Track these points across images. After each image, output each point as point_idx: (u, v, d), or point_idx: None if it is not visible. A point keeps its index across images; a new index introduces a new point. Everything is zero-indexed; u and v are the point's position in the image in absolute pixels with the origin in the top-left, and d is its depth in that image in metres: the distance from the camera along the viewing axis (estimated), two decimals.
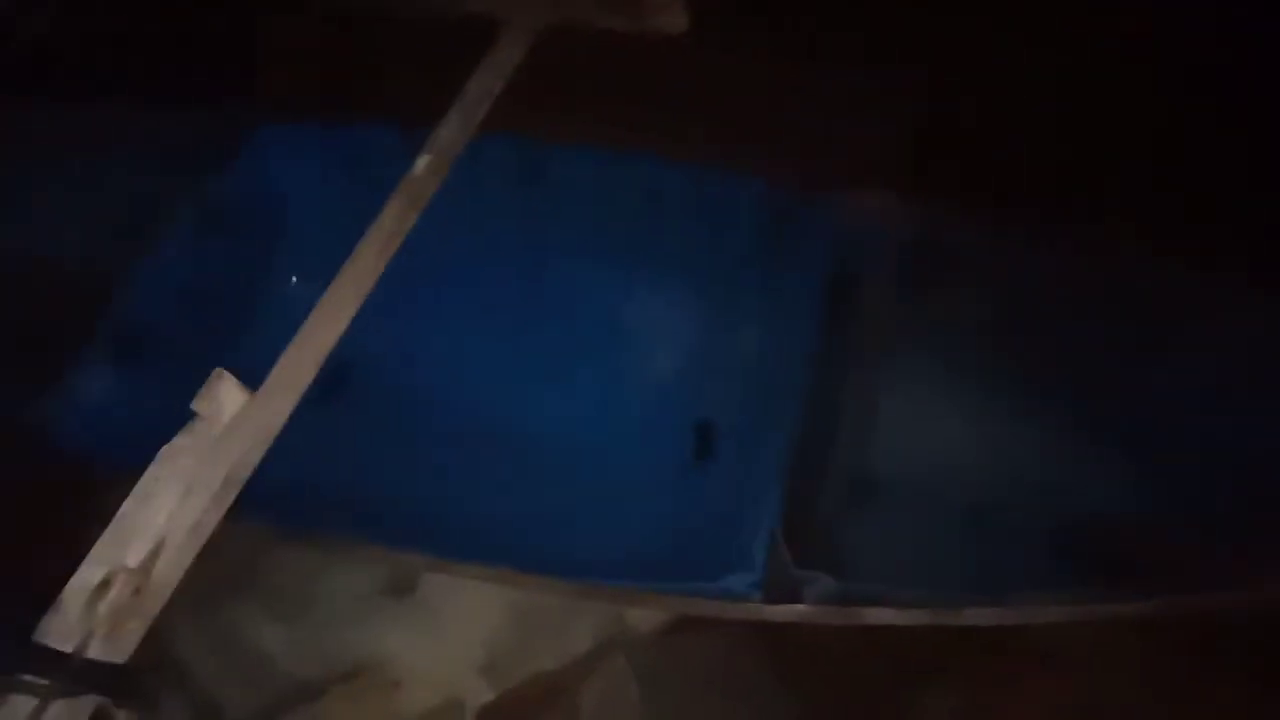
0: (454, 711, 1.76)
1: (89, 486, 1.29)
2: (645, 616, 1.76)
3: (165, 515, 1.10)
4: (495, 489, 1.68)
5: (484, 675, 1.78)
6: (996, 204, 1.62)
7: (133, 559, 1.08)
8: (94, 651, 1.05)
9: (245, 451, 1.13)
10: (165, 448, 1.14)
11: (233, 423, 1.14)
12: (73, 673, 1.03)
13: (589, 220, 1.82)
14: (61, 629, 1.05)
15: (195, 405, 1.15)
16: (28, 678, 1.02)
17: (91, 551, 1.09)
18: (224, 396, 1.15)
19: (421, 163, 1.28)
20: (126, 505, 1.11)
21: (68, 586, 1.07)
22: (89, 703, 1.05)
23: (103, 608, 1.06)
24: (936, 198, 1.65)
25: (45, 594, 1.08)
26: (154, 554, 1.09)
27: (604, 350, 1.86)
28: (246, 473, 1.13)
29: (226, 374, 1.15)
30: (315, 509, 1.52)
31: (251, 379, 1.20)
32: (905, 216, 1.68)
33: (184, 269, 1.79)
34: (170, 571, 1.09)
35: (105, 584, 1.07)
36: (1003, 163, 1.63)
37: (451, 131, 1.32)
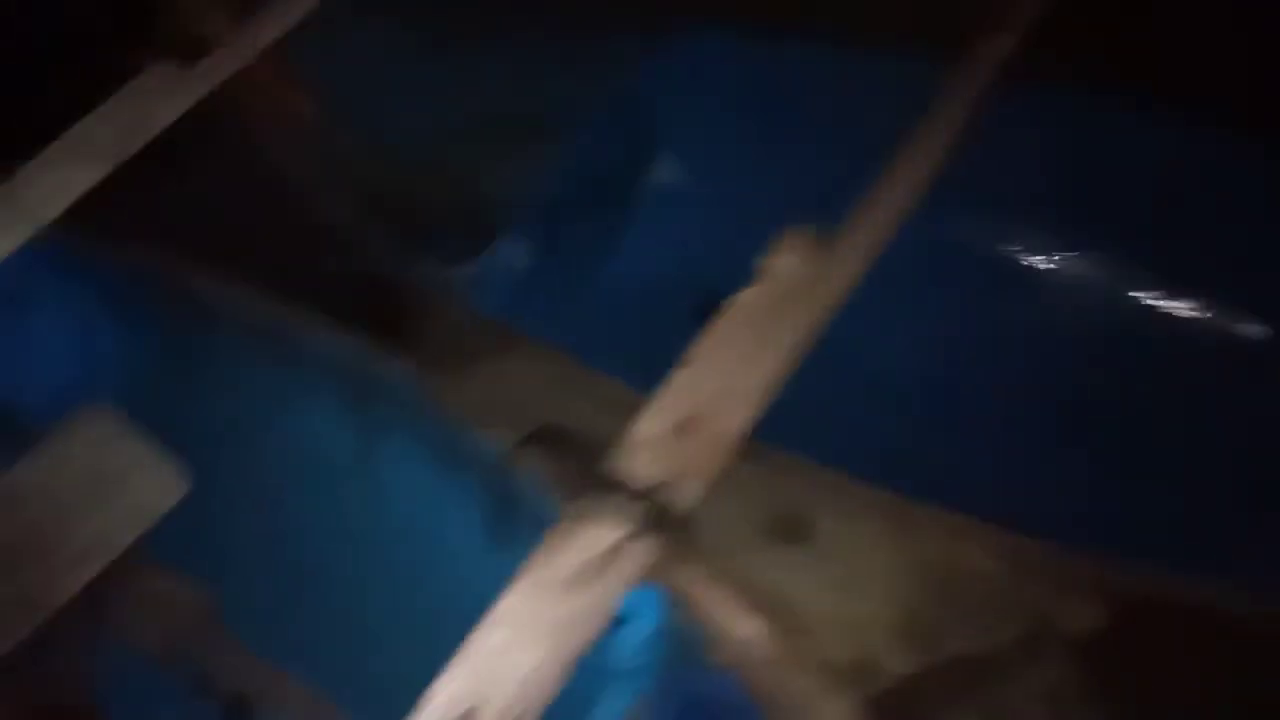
0: (869, 674, 1.61)
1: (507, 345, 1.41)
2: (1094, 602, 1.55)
3: (734, 369, 1.05)
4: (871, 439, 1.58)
5: (901, 640, 1.63)
6: None
7: (703, 409, 1.04)
8: (663, 495, 1.01)
9: (814, 311, 1.07)
10: (729, 301, 1.09)
11: (802, 281, 1.08)
12: (647, 512, 0.99)
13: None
14: (634, 469, 1.01)
15: (765, 262, 1.10)
16: (607, 511, 0.98)
17: (659, 398, 1.05)
18: (794, 254, 1.09)
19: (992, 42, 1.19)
20: (691, 354, 1.07)
21: (636, 428, 1.04)
22: (657, 544, 1.00)
23: (676, 453, 1.02)
24: None
25: None
26: (722, 406, 1.04)
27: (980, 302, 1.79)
28: (814, 333, 1.07)
29: (800, 232, 1.10)
30: None
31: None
32: None
33: (589, 156, 1.84)
34: (736, 423, 1.04)
35: (678, 430, 1.03)
36: None
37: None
